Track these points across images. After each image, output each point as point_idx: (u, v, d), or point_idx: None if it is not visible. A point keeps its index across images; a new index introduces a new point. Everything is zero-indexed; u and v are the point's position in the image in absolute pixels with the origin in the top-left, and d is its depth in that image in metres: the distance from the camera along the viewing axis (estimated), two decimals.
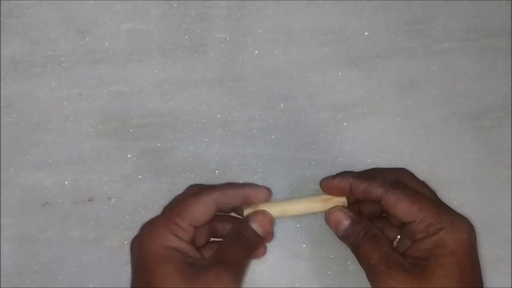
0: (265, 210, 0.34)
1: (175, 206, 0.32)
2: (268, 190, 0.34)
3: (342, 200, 0.35)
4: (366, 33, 0.44)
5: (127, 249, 0.40)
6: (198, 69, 0.43)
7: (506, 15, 0.44)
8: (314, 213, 0.36)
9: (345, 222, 0.33)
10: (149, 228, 0.32)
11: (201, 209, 0.32)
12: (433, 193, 0.34)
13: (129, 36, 0.43)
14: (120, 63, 0.43)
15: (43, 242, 0.40)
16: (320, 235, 0.40)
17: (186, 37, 0.43)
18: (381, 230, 0.34)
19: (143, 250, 0.31)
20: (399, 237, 0.35)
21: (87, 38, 0.43)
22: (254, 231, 0.33)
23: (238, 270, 0.31)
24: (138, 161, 0.41)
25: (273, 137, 0.41)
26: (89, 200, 0.41)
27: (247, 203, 0.34)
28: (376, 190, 0.32)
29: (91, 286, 0.40)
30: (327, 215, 0.34)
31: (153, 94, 0.42)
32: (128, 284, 0.40)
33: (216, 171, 0.41)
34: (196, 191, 0.33)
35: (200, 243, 0.35)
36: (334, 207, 0.34)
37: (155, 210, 0.41)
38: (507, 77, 0.44)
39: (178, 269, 0.30)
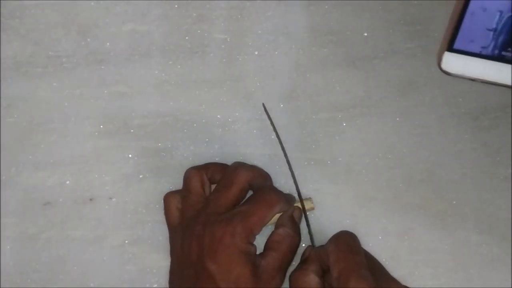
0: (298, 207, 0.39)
1: (253, 214, 0.34)
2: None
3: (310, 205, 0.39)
4: (365, 34, 0.44)
5: (128, 249, 0.40)
6: (199, 70, 0.43)
7: None
8: None
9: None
10: (231, 230, 0.34)
11: (270, 219, 0.36)
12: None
13: (130, 37, 0.43)
14: (121, 64, 0.43)
15: (44, 241, 0.40)
16: (319, 235, 0.40)
17: (187, 38, 0.43)
18: None
19: (224, 249, 0.33)
20: None
21: (88, 39, 0.43)
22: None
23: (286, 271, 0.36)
24: (139, 161, 0.42)
25: (273, 137, 0.42)
26: (90, 199, 0.41)
27: None
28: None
29: (92, 285, 0.40)
30: (298, 276, 0.34)
31: (154, 94, 0.43)
32: (129, 284, 0.40)
33: None
34: (271, 198, 0.36)
35: None
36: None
37: (156, 209, 0.41)
38: None
39: (251, 271, 0.33)
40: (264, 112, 0.41)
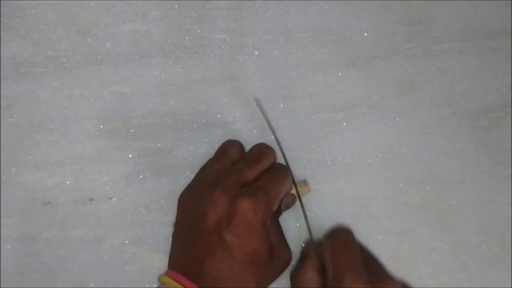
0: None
1: (272, 190, 0.35)
2: None
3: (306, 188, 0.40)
4: (366, 34, 0.44)
5: (128, 249, 0.41)
6: (199, 70, 0.43)
7: (505, 16, 0.45)
8: None
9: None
10: (254, 205, 0.34)
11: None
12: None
13: (130, 37, 0.43)
14: (121, 64, 0.43)
15: (44, 241, 0.40)
16: (319, 236, 0.40)
17: (187, 38, 0.43)
18: None
19: (245, 223, 0.34)
20: None
21: (88, 39, 0.43)
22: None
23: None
24: (139, 161, 0.42)
25: (273, 137, 0.42)
26: (90, 199, 0.41)
27: None
28: None
29: (92, 285, 0.40)
30: (298, 274, 0.35)
31: (154, 94, 0.43)
32: (129, 284, 0.40)
33: None
34: (284, 173, 0.37)
35: None
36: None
37: (156, 209, 0.41)
38: (505, 77, 0.44)
39: (267, 247, 0.35)
40: (259, 108, 0.41)
